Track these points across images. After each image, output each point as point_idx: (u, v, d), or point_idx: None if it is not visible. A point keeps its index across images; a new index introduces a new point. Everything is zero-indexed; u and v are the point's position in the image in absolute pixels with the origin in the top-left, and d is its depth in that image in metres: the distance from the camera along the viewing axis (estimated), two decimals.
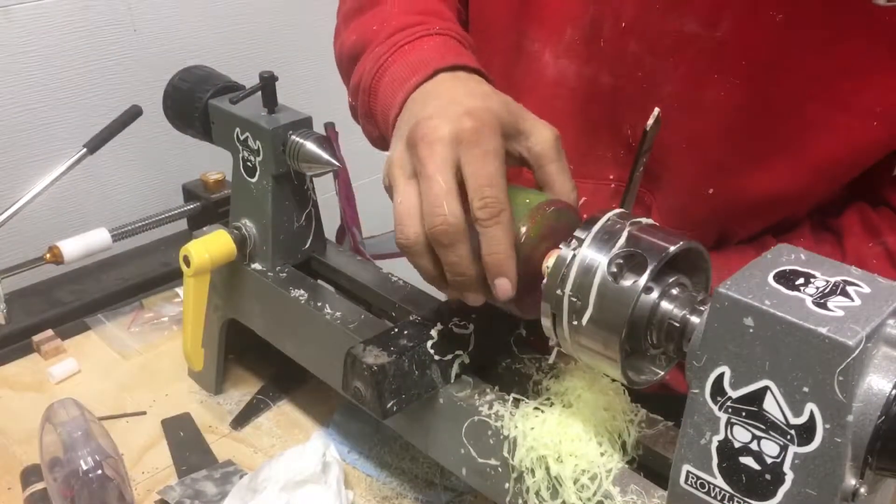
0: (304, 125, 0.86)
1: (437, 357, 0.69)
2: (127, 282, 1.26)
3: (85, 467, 0.79)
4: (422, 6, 0.82)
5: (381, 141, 0.80)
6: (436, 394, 0.71)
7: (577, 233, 0.59)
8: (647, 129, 0.66)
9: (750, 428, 0.48)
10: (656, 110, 0.66)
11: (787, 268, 0.49)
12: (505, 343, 0.75)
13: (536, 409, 0.66)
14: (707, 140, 0.78)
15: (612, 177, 0.86)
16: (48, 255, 1.08)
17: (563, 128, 0.68)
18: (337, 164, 0.84)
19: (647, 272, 0.55)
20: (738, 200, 0.80)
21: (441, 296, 0.83)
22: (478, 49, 0.81)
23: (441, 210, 0.57)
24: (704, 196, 0.80)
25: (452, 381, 0.71)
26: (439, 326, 0.70)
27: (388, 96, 0.72)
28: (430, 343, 0.69)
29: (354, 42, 0.82)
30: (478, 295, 0.61)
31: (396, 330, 0.70)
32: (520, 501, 0.65)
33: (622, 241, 0.57)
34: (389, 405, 0.67)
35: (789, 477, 0.47)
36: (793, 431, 0.47)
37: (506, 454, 0.65)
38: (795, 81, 0.73)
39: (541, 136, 0.65)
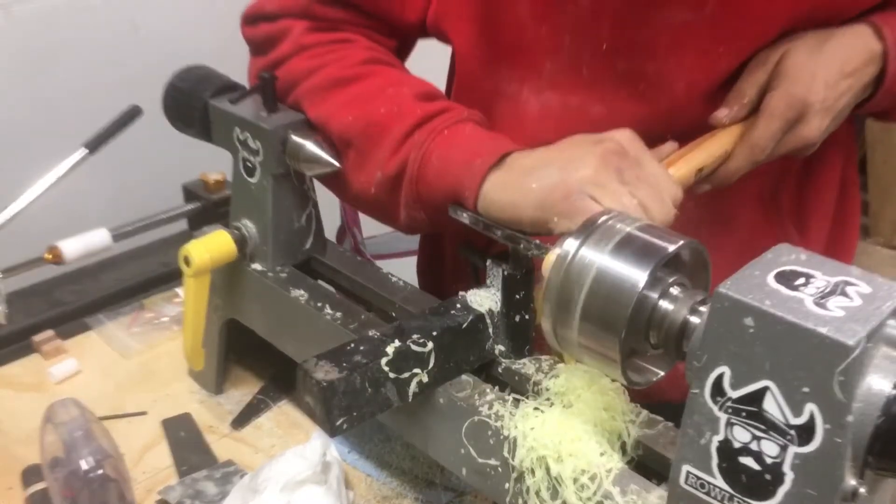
0: (304, 125, 0.86)
1: (392, 375, 0.67)
2: (127, 282, 1.26)
3: (85, 467, 0.79)
4: (420, 88, 0.83)
5: (426, 224, 0.81)
6: (436, 394, 0.71)
7: (577, 233, 0.59)
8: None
9: (750, 428, 0.48)
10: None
11: (787, 268, 0.49)
12: (468, 361, 0.73)
13: (536, 409, 0.66)
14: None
15: None
16: (48, 255, 1.08)
17: None
18: (337, 164, 0.84)
19: (647, 272, 0.55)
20: None
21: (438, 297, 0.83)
22: (457, 101, 0.84)
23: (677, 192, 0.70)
24: None
25: (410, 399, 0.69)
26: (396, 343, 0.67)
27: (455, 176, 0.74)
28: (384, 360, 0.66)
29: (352, 123, 0.82)
30: None
31: (353, 345, 0.67)
32: (520, 501, 0.65)
33: (622, 240, 0.57)
34: (339, 423, 0.64)
35: (789, 477, 0.47)
36: (793, 431, 0.47)
37: (506, 454, 0.65)
38: None
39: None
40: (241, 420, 0.99)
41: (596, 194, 0.66)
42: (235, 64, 1.01)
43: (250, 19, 0.94)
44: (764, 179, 0.88)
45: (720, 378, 0.49)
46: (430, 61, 1.10)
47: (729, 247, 0.87)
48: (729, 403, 0.49)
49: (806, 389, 0.45)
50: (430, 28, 0.88)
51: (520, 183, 0.70)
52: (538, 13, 0.81)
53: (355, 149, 0.82)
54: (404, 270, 1.15)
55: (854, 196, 0.99)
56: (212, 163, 1.25)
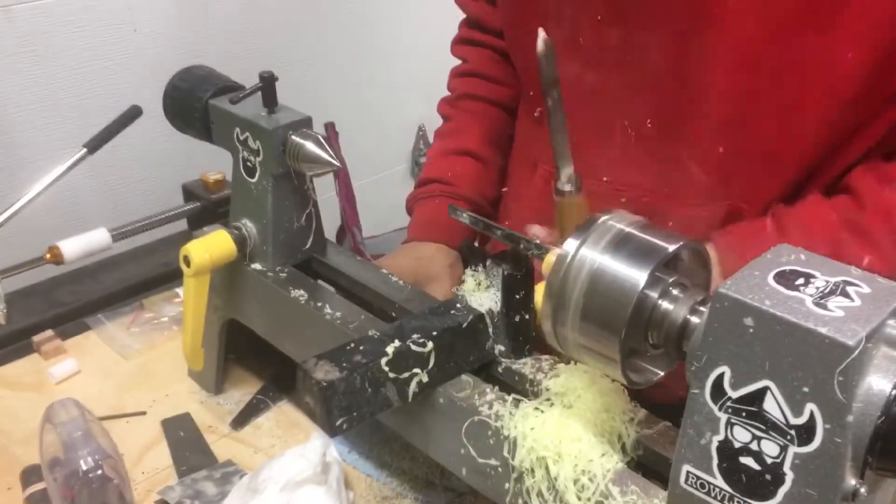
0: (304, 125, 0.86)
1: (392, 375, 0.67)
2: (127, 282, 1.26)
3: (85, 467, 0.79)
4: (453, 145, 1.08)
5: None
6: (436, 394, 0.71)
7: (577, 232, 0.59)
8: (539, 55, 0.69)
9: (750, 428, 0.48)
10: (541, 32, 0.69)
11: (787, 268, 0.49)
12: (468, 362, 0.73)
13: (536, 409, 0.66)
14: (712, 99, 0.79)
15: (605, 179, 0.88)
16: (48, 255, 1.08)
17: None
18: (337, 164, 0.84)
19: (647, 272, 0.55)
20: (746, 154, 0.81)
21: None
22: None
23: None
24: (715, 156, 0.82)
25: (410, 399, 0.69)
26: (396, 343, 0.67)
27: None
28: (384, 360, 0.66)
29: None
30: None
31: (353, 345, 0.67)
32: (520, 501, 0.65)
33: (622, 240, 0.57)
34: (339, 422, 0.64)
35: (789, 477, 0.47)
36: (793, 431, 0.47)
37: (506, 454, 0.65)
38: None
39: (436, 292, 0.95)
40: (241, 420, 0.99)
41: None
42: (235, 64, 1.01)
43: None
44: None
45: (720, 378, 0.49)
46: None
47: None
48: (729, 403, 0.49)
49: (806, 389, 0.45)
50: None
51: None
52: None
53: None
54: None
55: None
56: (212, 163, 1.26)
